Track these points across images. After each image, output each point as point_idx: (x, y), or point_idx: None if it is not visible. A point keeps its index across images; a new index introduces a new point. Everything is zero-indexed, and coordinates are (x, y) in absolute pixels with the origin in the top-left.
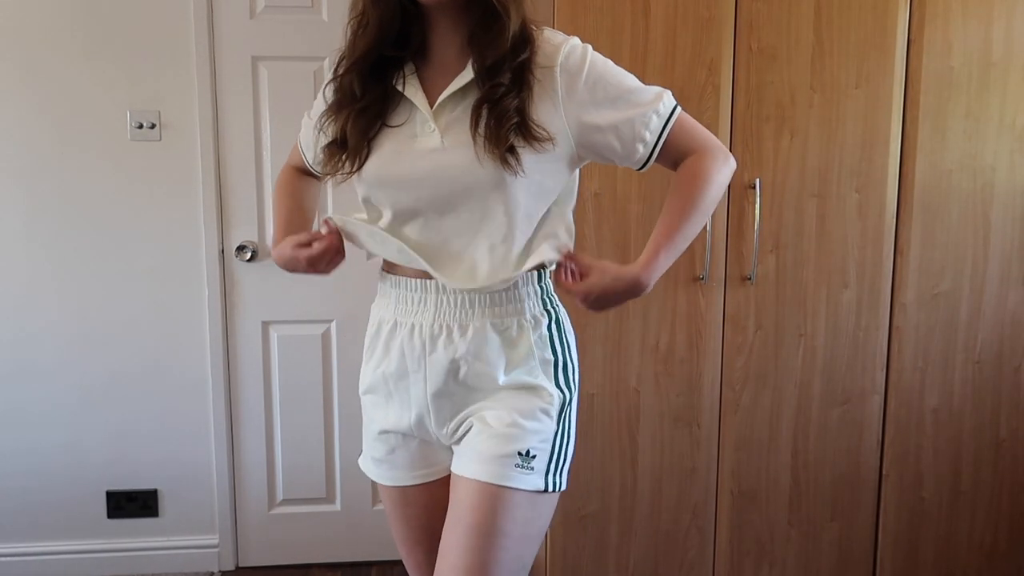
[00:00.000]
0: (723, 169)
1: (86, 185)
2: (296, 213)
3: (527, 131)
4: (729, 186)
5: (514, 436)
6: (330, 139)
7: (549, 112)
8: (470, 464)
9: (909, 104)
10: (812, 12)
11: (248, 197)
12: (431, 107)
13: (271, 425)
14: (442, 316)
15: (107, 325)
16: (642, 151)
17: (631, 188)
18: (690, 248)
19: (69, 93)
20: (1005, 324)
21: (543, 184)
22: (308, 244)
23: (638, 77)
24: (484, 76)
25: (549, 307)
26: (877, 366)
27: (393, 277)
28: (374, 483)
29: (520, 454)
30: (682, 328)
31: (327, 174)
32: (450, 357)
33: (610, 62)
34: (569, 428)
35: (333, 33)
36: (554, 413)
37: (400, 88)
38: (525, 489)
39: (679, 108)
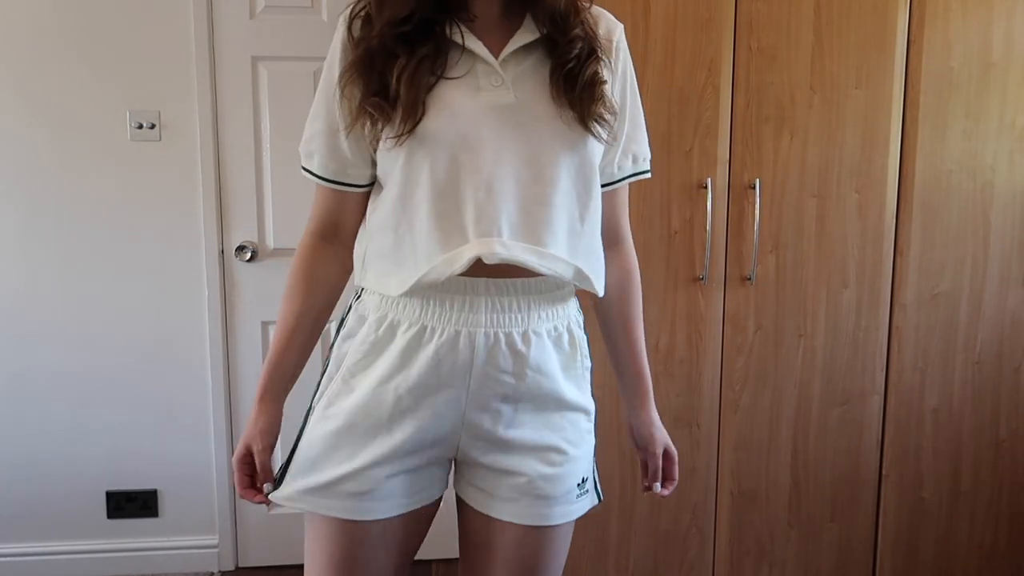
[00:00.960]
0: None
1: (86, 185)
2: (288, 354)
3: (605, 100)
4: (728, 186)
5: (570, 473)
6: (372, 93)
7: (610, 85)
8: (529, 508)
9: (909, 104)
10: (812, 12)
11: (248, 197)
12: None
13: None
14: (498, 321)
15: (107, 325)
16: (619, 172)
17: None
18: (690, 248)
19: (69, 93)
20: (1005, 324)
21: (597, 166)
22: (248, 466)
23: (638, 77)
24: (554, 34)
25: (579, 306)
26: (877, 366)
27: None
28: None
29: (578, 485)
30: (682, 328)
31: (372, 142)
32: (507, 369)
33: None
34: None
35: (333, 33)
36: (592, 426)
37: (460, 41)
38: (583, 514)
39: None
